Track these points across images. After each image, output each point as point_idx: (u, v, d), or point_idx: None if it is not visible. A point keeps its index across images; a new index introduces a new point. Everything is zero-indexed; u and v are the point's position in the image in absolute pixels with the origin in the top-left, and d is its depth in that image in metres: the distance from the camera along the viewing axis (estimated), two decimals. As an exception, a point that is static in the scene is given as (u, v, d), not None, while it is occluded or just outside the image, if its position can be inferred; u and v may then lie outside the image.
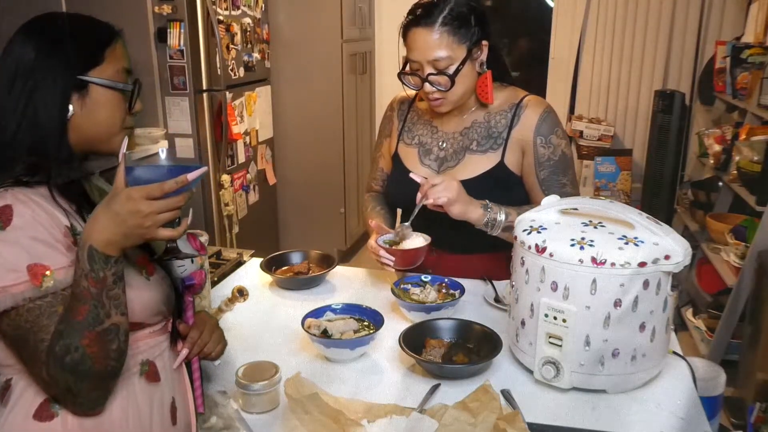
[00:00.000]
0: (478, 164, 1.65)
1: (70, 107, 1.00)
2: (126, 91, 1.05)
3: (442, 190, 1.51)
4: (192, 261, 1.15)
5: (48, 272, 0.91)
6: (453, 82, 1.54)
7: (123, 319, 0.94)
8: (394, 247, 1.60)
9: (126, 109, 1.06)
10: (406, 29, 1.56)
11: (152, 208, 0.90)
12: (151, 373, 1.04)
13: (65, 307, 0.92)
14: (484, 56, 1.59)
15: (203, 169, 0.94)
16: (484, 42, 1.57)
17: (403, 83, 1.62)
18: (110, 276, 0.92)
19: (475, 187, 1.63)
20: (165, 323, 1.10)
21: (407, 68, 1.59)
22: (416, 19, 1.53)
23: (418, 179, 1.57)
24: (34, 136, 0.98)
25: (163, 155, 0.96)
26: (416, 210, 1.56)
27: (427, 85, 1.55)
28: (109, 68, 1.03)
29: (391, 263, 1.58)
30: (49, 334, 0.91)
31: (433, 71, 1.54)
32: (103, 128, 1.04)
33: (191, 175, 0.92)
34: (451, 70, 1.53)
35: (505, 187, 1.65)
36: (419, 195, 1.54)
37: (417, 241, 1.62)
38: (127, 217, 0.89)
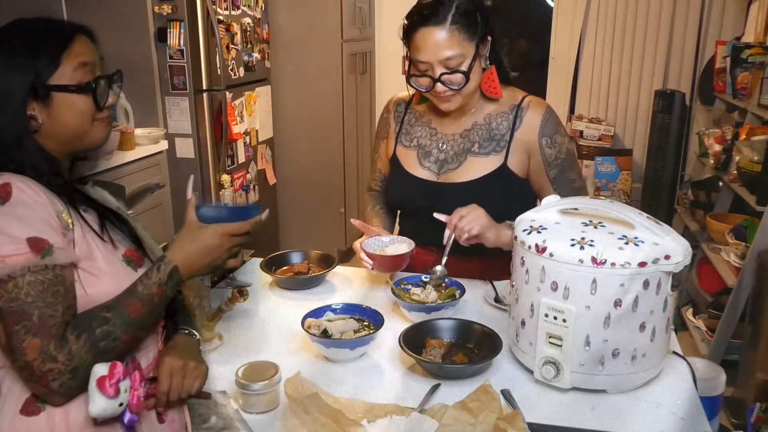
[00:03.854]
0: (481, 166, 1.65)
1: (38, 117, 1.00)
2: (89, 90, 1.03)
3: (472, 221, 1.51)
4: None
5: (48, 246, 0.93)
6: (468, 79, 1.53)
7: (140, 340, 1.04)
8: (378, 252, 1.61)
9: (93, 106, 1.04)
10: (412, 30, 1.53)
11: (232, 243, 1.07)
12: (128, 361, 1.03)
13: (119, 300, 0.97)
14: (488, 51, 1.59)
15: (266, 212, 1.11)
16: (489, 37, 1.58)
17: (411, 86, 1.60)
18: (169, 298, 1.04)
19: (477, 190, 1.63)
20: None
21: (413, 69, 1.57)
22: (423, 18, 1.50)
23: (442, 218, 1.55)
24: (6, 150, 0.98)
25: (228, 196, 1.11)
26: (447, 248, 1.55)
27: (439, 85, 1.54)
28: (68, 70, 1.01)
29: (370, 266, 1.59)
30: (58, 311, 0.93)
31: (445, 70, 1.52)
32: (71, 129, 1.03)
33: (264, 215, 1.12)
34: (464, 66, 1.52)
35: (507, 189, 1.65)
36: (447, 232, 1.54)
37: (400, 247, 1.63)
38: (214, 249, 1.05)
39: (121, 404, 0.96)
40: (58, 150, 1.04)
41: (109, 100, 1.07)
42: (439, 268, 1.58)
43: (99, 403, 0.93)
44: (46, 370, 0.92)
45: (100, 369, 0.95)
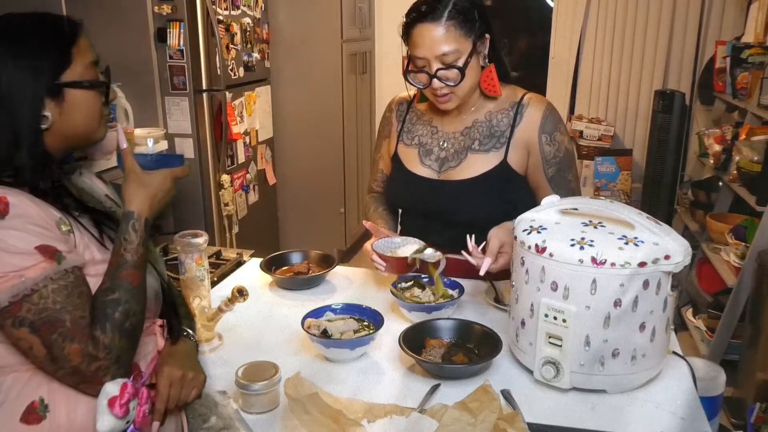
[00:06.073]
0: (481, 163, 1.65)
1: (49, 115, 0.98)
2: (102, 86, 1.04)
3: (501, 265, 1.48)
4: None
5: (59, 251, 0.93)
6: (463, 75, 1.53)
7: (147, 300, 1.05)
8: (388, 253, 1.60)
9: (102, 102, 1.05)
10: (410, 27, 1.55)
11: (174, 189, 1.08)
12: (135, 377, 1.03)
13: (116, 277, 0.98)
14: (486, 49, 1.59)
15: (187, 164, 1.14)
16: (487, 35, 1.58)
17: (409, 83, 1.61)
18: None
19: (477, 187, 1.63)
20: (150, 325, 1.09)
21: (412, 66, 1.58)
22: (421, 15, 1.52)
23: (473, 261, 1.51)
24: (11, 147, 0.97)
25: (150, 145, 1.12)
26: (472, 248, 1.52)
27: (435, 81, 1.54)
28: (78, 66, 1.01)
29: (383, 268, 1.58)
30: (86, 311, 0.93)
31: (441, 66, 1.53)
32: (83, 127, 1.03)
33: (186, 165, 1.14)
34: (460, 63, 1.53)
35: (506, 186, 1.65)
36: (472, 255, 1.51)
37: (412, 248, 1.62)
38: (165, 194, 1.07)
39: (128, 422, 0.98)
40: (60, 149, 1.03)
41: (111, 95, 1.08)
42: (430, 251, 1.55)
43: (107, 422, 0.95)
44: (94, 369, 0.94)
45: (112, 388, 0.96)
